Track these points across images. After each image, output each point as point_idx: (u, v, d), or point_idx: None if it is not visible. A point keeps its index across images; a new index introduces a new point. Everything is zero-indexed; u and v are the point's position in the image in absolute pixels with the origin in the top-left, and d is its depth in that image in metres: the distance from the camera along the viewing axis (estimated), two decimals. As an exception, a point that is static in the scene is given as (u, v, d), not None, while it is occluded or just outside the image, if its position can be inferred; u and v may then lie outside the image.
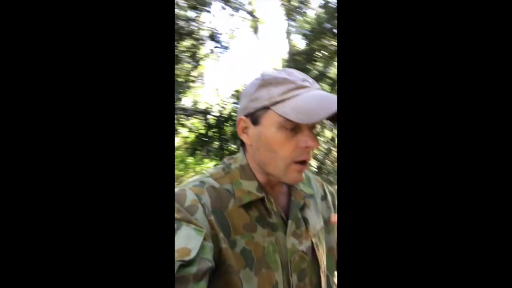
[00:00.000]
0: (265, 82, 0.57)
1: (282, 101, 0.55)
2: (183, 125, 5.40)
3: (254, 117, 0.58)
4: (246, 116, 0.59)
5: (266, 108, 0.56)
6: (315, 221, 0.67)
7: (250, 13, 6.54)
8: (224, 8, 6.25)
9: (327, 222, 0.71)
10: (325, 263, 0.66)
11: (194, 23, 5.00)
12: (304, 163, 0.56)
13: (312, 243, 0.63)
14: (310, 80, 0.58)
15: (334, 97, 0.52)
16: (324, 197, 0.74)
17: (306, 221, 0.64)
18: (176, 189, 0.55)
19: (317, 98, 0.53)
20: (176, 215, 0.52)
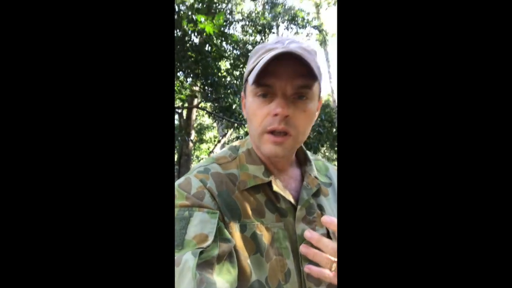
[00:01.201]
0: (251, 54, 0.57)
1: (253, 68, 0.53)
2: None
3: (245, 91, 0.59)
4: (244, 91, 0.59)
5: (246, 79, 0.56)
6: (335, 211, 0.63)
7: (317, 28, 6.57)
8: (291, 28, 6.43)
9: None
10: None
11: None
12: (275, 133, 0.52)
13: (328, 232, 0.58)
14: (288, 40, 0.53)
15: (293, 55, 0.48)
16: None
17: (321, 208, 0.59)
18: (180, 179, 0.56)
19: (272, 57, 0.48)
20: (186, 202, 0.51)
